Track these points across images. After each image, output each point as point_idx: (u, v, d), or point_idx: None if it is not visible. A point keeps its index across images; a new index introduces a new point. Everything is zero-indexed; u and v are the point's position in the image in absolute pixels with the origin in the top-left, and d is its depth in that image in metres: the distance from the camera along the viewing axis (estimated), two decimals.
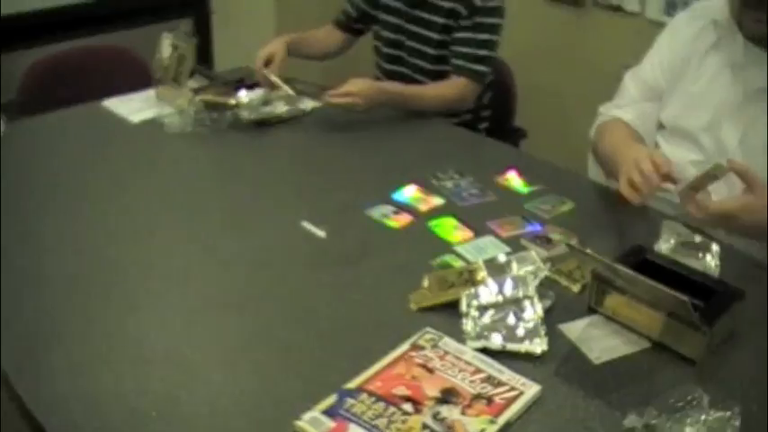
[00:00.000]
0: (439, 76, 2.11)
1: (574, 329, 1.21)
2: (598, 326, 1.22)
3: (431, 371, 1.09)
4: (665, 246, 1.37)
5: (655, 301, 1.15)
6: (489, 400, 1.04)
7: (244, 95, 2.00)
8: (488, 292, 1.22)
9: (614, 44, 2.70)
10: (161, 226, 1.51)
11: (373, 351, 1.14)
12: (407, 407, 1.02)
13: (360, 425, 0.99)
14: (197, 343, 1.19)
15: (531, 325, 1.17)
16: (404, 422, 1.00)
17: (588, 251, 1.17)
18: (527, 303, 1.19)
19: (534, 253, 1.35)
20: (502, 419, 1.01)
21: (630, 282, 1.15)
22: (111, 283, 1.33)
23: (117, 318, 1.24)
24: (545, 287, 1.26)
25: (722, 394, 1.02)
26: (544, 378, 1.10)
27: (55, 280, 1.32)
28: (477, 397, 1.04)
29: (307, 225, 1.49)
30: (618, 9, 2.69)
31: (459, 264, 1.36)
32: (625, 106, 1.71)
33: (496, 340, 1.15)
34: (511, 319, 1.18)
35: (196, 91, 1.99)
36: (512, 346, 1.14)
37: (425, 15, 2.11)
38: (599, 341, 1.19)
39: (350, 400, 1.03)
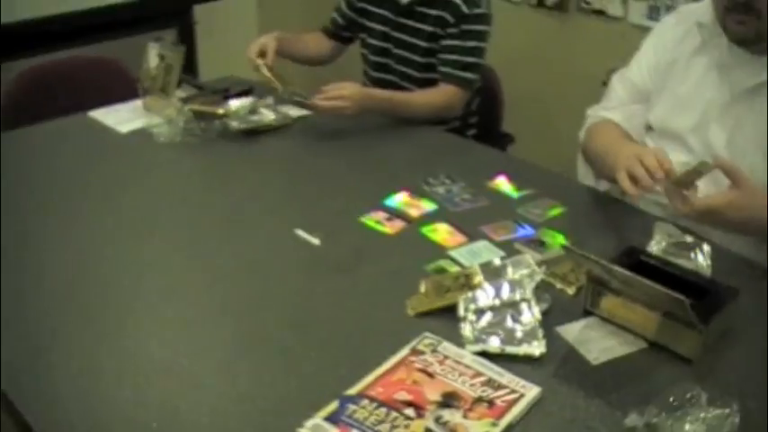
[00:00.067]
0: (427, 83, 2.12)
1: (571, 331, 1.22)
2: (595, 327, 1.23)
3: (431, 375, 1.09)
4: (656, 247, 1.39)
5: (650, 301, 1.16)
6: (490, 403, 1.04)
7: (232, 104, 1.99)
8: (486, 295, 1.22)
9: (598, 48, 2.73)
10: (155, 236, 1.50)
11: (372, 357, 1.14)
12: (409, 412, 1.02)
13: (363, 431, 0.99)
14: (195, 352, 1.18)
15: (528, 328, 1.17)
16: (407, 427, 1.00)
17: (584, 253, 1.18)
18: (524, 306, 1.20)
19: (529, 256, 1.35)
20: (504, 422, 1.01)
21: (626, 282, 1.16)
22: (106, 294, 1.32)
23: (113, 329, 1.23)
24: (541, 290, 1.27)
25: (719, 391, 1.03)
26: (543, 380, 1.10)
27: (48, 292, 1.31)
28: (479, 400, 1.05)
29: (300, 233, 1.49)
30: (601, 14, 2.72)
31: (454, 269, 1.37)
32: (613, 108, 1.73)
33: (495, 343, 1.16)
34: (509, 323, 1.18)
35: (185, 100, 1.98)
36: (510, 349, 1.15)
37: (412, 23, 2.12)
38: (596, 342, 1.19)
39: (352, 407, 1.03)
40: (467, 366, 1.11)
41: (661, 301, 1.14)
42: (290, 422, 1.02)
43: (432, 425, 1.00)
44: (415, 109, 2.06)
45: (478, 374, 1.10)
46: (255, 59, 2.06)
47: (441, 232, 1.51)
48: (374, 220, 1.55)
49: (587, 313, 1.26)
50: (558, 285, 1.32)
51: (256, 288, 1.34)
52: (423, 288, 1.29)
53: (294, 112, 2.07)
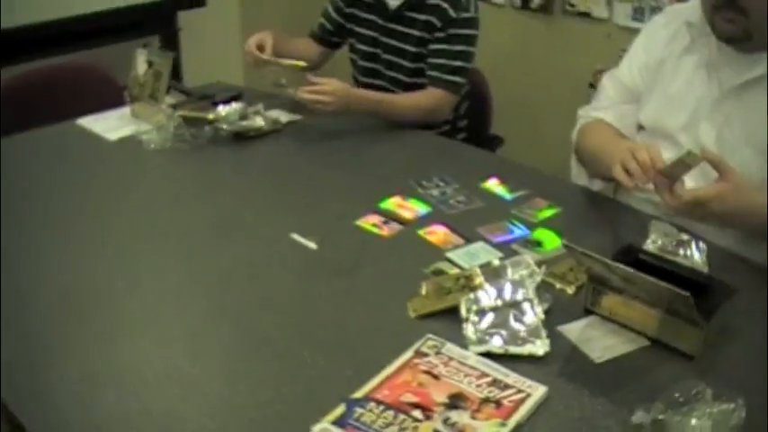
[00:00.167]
0: (416, 88, 2.12)
1: (573, 330, 1.22)
2: (596, 326, 1.23)
3: (437, 377, 1.09)
4: (653, 245, 1.40)
5: (652, 299, 1.17)
6: (498, 403, 1.04)
7: (222, 110, 1.98)
8: (487, 296, 1.22)
9: (584, 50, 2.75)
10: (150, 243, 1.49)
11: (376, 360, 1.13)
12: (417, 414, 1.02)
13: None
14: (197, 359, 1.17)
15: (532, 327, 1.18)
16: (415, 429, 1.00)
17: (585, 251, 1.18)
18: (527, 306, 1.20)
19: (528, 257, 1.36)
20: (512, 422, 1.01)
21: (628, 280, 1.17)
22: (103, 303, 1.30)
23: (112, 339, 1.21)
24: (541, 290, 1.27)
25: (722, 387, 1.03)
26: (548, 379, 1.11)
27: (44, 302, 1.29)
28: (486, 401, 1.05)
29: (296, 237, 1.49)
30: (586, 15, 2.75)
31: (453, 270, 1.37)
32: (604, 108, 1.74)
33: (498, 344, 1.16)
34: (511, 322, 1.18)
35: (174, 106, 1.97)
36: (514, 349, 1.15)
37: (401, 28, 2.12)
38: (599, 341, 1.20)
39: (359, 410, 1.02)
40: (472, 367, 1.11)
41: (663, 298, 1.15)
42: (298, 427, 1.01)
43: (440, 426, 1.00)
44: (399, 111, 2.05)
45: (484, 375, 1.09)
46: (255, 52, 2.05)
47: (437, 234, 1.51)
48: (370, 223, 1.55)
49: (588, 312, 1.26)
50: (558, 285, 1.33)
51: (256, 293, 1.33)
52: (423, 290, 1.29)
53: (284, 117, 2.06)
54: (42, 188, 1.69)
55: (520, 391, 1.07)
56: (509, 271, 1.29)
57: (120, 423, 1.04)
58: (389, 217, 1.57)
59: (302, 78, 1.98)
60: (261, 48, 2.07)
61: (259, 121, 1.98)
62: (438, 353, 1.14)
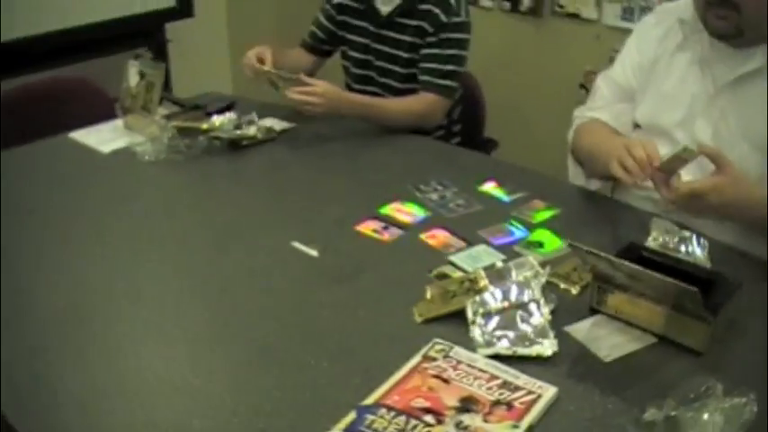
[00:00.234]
0: (408, 94, 2.11)
1: (579, 330, 1.22)
2: (602, 325, 1.23)
3: (446, 381, 1.08)
4: (654, 243, 1.40)
5: (658, 295, 1.17)
6: (509, 405, 1.04)
7: (215, 120, 1.97)
8: (494, 298, 1.22)
9: (574, 51, 2.76)
10: (149, 255, 1.47)
11: (384, 365, 1.12)
12: (429, 418, 1.01)
13: None
14: (203, 370, 1.16)
15: (539, 328, 1.17)
16: None
17: (591, 249, 1.18)
18: (533, 307, 1.20)
19: (531, 258, 1.35)
20: (524, 423, 1.01)
21: (634, 277, 1.16)
22: (106, 317, 1.28)
23: (116, 351, 1.20)
24: (546, 291, 1.27)
25: (732, 382, 1.03)
26: (558, 380, 1.10)
27: (46, 316, 1.28)
28: (497, 403, 1.04)
29: (297, 245, 1.48)
30: (575, 17, 2.76)
31: (456, 274, 1.36)
32: (600, 108, 1.74)
33: (506, 345, 1.15)
34: (518, 324, 1.18)
35: (168, 117, 1.95)
36: (522, 351, 1.15)
37: (393, 34, 2.12)
38: (606, 340, 1.19)
39: (370, 417, 1.01)
40: (481, 370, 1.10)
41: (669, 295, 1.15)
42: None
43: (453, 430, 0.99)
44: (390, 115, 2.05)
45: (494, 377, 1.09)
46: (256, 64, 2.05)
47: (438, 238, 1.51)
48: (370, 228, 1.54)
49: (594, 311, 1.26)
50: (562, 285, 1.32)
51: (259, 302, 1.32)
52: (429, 294, 1.28)
53: (278, 125, 2.05)
54: (38, 203, 1.67)
55: (530, 392, 1.06)
56: (513, 273, 1.29)
57: None
58: (389, 222, 1.57)
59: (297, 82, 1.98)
60: (261, 60, 2.07)
61: (253, 130, 1.97)
62: (446, 356, 1.13)
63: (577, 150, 1.74)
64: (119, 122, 2.07)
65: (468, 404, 1.04)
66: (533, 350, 1.15)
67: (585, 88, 2.78)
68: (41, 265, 1.43)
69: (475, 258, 1.42)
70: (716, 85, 1.54)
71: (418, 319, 1.24)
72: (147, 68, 2.02)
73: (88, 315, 1.29)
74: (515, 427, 1.00)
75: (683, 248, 1.38)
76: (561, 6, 2.79)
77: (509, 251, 1.45)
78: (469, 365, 1.11)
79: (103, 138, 2.00)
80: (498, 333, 1.17)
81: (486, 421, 1.01)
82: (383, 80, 2.17)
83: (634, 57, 1.71)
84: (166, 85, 3.00)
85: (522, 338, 1.16)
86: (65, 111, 2.34)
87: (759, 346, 1.19)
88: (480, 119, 2.43)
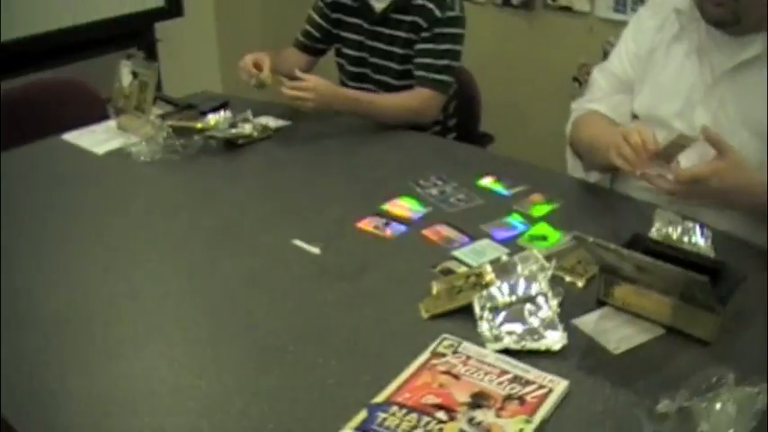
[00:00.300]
0: (405, 90, 2.10)
1: (587, 323, 1.21)
2: (610, 317, 1.22)
3: (457, 377, 1.08)
4: (657, 233, 1.39)
5: (666, 286, 1.16)
6: (521, 399, 1.03)
7: (210, 119, 1.95)
8: (501, 293, 1.21)
9: (567, 44, 2.76)
10: (149, 257, 1.46)
11: (392, 363, 1.12)
12: (441, 415, 1.00)
13: None
14: (208, 371, 1.14)
15: (547, 321, 1.17)
16: (440, 430, 0.98)
17: (597, 240, 1.17)
18: (541, 300, 1.19)
19: (536, 251, 1.35)
20: (537, 417, 1.00)
21: (641, 268, 1.16)
22: (106, 318, 1.27)
23: (118, 353, 1.18)
24: (552, 284, 1.26)
25: (742, 371, 1.03)
26: (568, 373, 1.10)
27: (47, 322, 1.26)
28: (509, 398, 1.03)
29: (299, 243, 1.46)
30: (568, 9, 2.75)
31: (461, 269, 1.35)
32: (597, 100, 1.74)
33: (515, 340, 1.14)
34: (527, 318, 1.17)
35: (162, 117, 1.93)
36: (531, 344, 1.14)
37: (387, 31, 2.11)
38: (614, 332, 1.19)
39: (381, 414, 1.00)
40: (491, 365, 1.10)
41: (677, 285, 1.15)
42: None
43: (465, 426, 0.99)
44: (384, 111, 2.04)
45: (504, 372, 1.08)
46: (252, 70, 2.04)
47: (440, 233, 1.50)
48: (371, 225, 1.53)
49: (601, 303, 1.25)
50: (568, 278, 1.32)
51: (263, 302, 1.31)
52: (435, 290, 1.27)
53: (273, 123, 2.04)
54: (34, 206, 1.65)
55: (542, 386, 1.05)
56: (519, 266, 1.28)
57: None
58: (390, 218, 1.56)
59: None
60: (258, 66, 2.05)
61: (249, 129, 1.96)
62: (455, 352, 1.13)
63: (576, 142, 1.74)
64: (112, 123, 2.05)
65: (479, 400, 1.03)
66: (542, 344, 1.14)
67: (579, 81, 2.78)
68: (40, 269, 1.41)
69: (479, 253, 1.41)
70: (714, 74, 1.54)
71: (425, 316, 1.23)
72: (139, 68, 2.00)
73: (88, 316, 1.27)
74: (528, 421, 0.99)
75: (686, 239, 1.38)
76: (553, 0, 2.78)
77: (512, 245, 1.44)
78: (479, 361, 1.11)
79: (97, 139, 1.98)
80: (506, 327, 1.16)
81: (498, 416, 1.00)
82: (378, 77, 2.16)
83: (630, 48, 1.70)
84: (158, 84, 2.98)
85: (531, 332, 1.15)
86: (56, 113, 2.32)
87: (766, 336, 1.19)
88: (475, 113, 2.42)
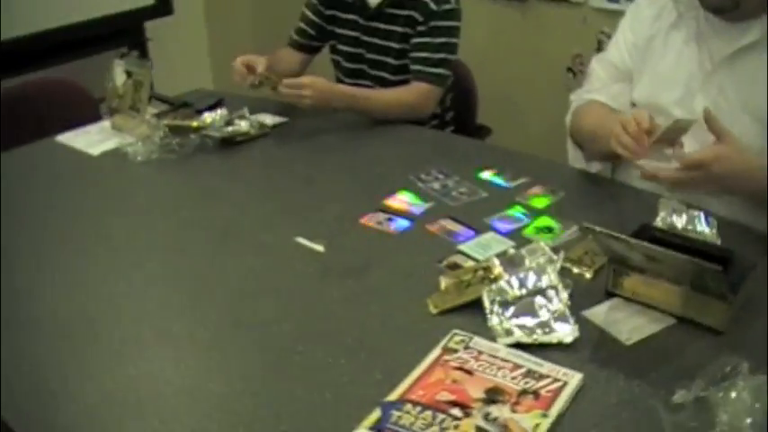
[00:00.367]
0: (402, 85, 2.09)
1: (598, 314, 1.20)
2: (620, 308, 1.22)
3: (470, 372, 1.06)
4: (662, 223, 1.39)
5: (676, 275, 1.16)
6: (536, 394, 1.02)
7: (207, 117, 1.93)
8: (510, 286, 1.20)
9: (561, 35, 2.75)
10: (151, 258, 1.44)
11: (403, 359, 1.10)
12: (456, 412, 0.99)
13: None
14: (216, 374, 1.13)
15: (558, 314, 1.16)
16: (456, 427, 0.97)
17: (606, 230, 1.16)
18: (552, 293, 1.18)
19: (543, 243, 1.34)
20: (553, 412, 0.99)
21: (651, 258, 1.15)
22: (108, 319, 1.25)
23: (121, 355, 1.17)
24: (561, 276, 1.25)
25: (755, 360, 1.02)
26: (581, 365, 1.09)
27: (46, 323, 1.24)
28: (524, 393, 1.02)
29: (302, 240, 1.45)
30: (562, 0, 2.74)
31: (468, 263, 1.34)
32: (597, 90, 1.73)
33: (526, 333, 1.13)
34: (537, 311, 1.16)
35: (158, 116, 1.91)
36: (543, 338, 1.13)
37: (383, 26, 2.09)
38: (625, 323, 1.18)
39: (396, 413, 0.99)
40: (504, 360, 1.09)
41: (687, 274, 1.14)
42: None
43: (482, 423, 0.97)
44: (380, 106, 2.02)
45: (517, 366, 1.07)
46: (244, 71, 2.02)
47: (444, 228, 1.49)
48: (375, 221, 1.52)
49: (610, 294, 1.24)
50: (575, 270, 1.31)
51: (268, 301, 1.29)
52: (443, 285, 1.26)
53: (270, 119, 2.02)
54: (33, 207, 1.63)
55: (556, 380, 1.04)
56: (526, 259, 1.27)
57: None
58: (393, 213, 1.54)
59: None
60: (251, 68, 2.02)
61: (245, 126, 1.94)
62: (467, 347, 1.12)
63: (577, 133, 1.73)
64: (106, 123, 2.03)
65: (494, 395, 1.02)
66: (554, 337, 1.13)
67: (573, 71, 2.77)
68: (41, 267, 1.40)
69: (485, 246, 1.40)
70: (713, 61, 1.53)
71: (434, 311, 1.22)
72: (133, 67, 1.98)
73: (88, 316, 1.26)
74: (544, 416, 0.98)
75: (691, 227, 1.37)
76: None
77: (518, 237, 1.43)
78: (491, 355, 1.10)
79: (92, 140, 1.95)
80: (517, 321, 1.15)
81: (514, 411, 0.99)
82: (375, 73, 2.14)
83: (628, 37, 1.69)
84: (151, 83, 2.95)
85: (542, 325, 1.14)
86: (47, 114, 2.29)
87: None
88: (472, 106, 2.41)
